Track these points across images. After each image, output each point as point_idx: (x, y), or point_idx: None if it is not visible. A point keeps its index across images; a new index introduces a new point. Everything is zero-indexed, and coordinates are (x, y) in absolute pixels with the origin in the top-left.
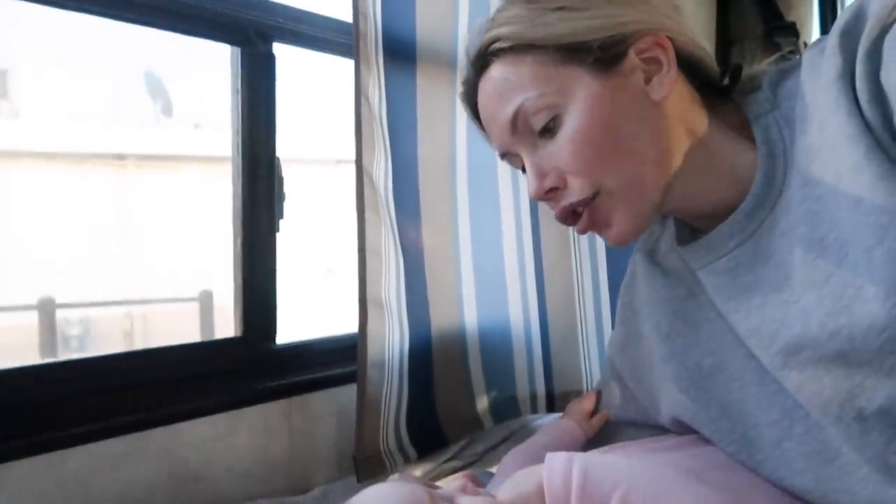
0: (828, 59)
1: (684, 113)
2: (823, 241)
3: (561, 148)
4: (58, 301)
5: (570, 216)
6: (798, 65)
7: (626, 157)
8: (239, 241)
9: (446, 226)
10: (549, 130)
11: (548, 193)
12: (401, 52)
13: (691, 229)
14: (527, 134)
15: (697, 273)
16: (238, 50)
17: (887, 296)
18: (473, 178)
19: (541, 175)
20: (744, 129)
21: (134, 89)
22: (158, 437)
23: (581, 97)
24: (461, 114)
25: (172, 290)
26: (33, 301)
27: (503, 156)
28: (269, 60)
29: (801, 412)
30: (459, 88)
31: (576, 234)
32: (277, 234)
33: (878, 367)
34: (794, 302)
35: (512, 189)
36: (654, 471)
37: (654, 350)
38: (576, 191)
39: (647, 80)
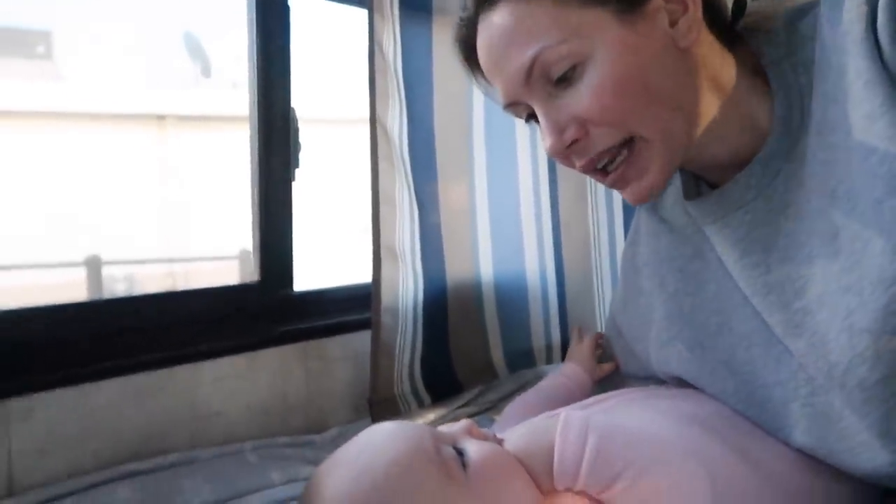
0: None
1: (708, 58)
2: (835, 193)
3: (585, 98)
4: (104, 258)
5: (596, 171)
6: (815, 3)
7: (657, 105)
8: (256, 189)
9: (462, 177)
10: (566, 79)
11: (570, 146)
12: (416, 3)
13: (698, 182)
14: (542, 83)
15: (706, 228)
16: (253, 2)
17: (894, 250)
18: (490, 129)
19: (559, 129)
20: (759, 74)
21: (174, 51)
22: (182, 374)
23: (606, 44)
24: None
25: (213, 248)
26: (80, 259)
27: (508, 106)
28: (284, 8)
29: (805, 374)
30: (455, 28)
31: (593, 184)
32: (293, 183)
33: (881, 332)
34: (816, 256)
35: (529, 141)
36: (662, 448)
37: (658, 308)
38: (600, 140)
39: (673, 24)
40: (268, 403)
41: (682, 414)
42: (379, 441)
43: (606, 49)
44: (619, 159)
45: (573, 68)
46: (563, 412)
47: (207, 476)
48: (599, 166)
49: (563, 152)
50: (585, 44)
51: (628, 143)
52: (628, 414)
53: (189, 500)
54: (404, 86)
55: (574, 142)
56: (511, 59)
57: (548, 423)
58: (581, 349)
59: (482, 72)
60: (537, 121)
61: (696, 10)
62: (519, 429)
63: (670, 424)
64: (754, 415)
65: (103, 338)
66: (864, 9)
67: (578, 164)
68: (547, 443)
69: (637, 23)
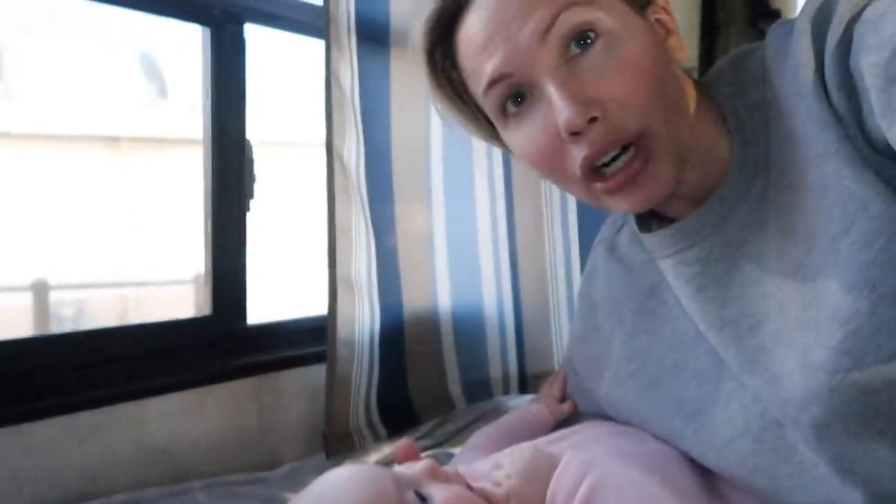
0: (796, 42)
1: (685, 81)
2: (794, 232)
3: (612, 70)
4: (51, 283)
5: (593, 173)
6: (760, 46)
7: (671, 102)
8: (209, 220)
9: (420, 208)
10: (584, 49)
11: (589, 123)
12: (374, 36)
13: (653, 219)
14: (556, 51)
15: (661, 263)
16: (208, 31)
17: (849, 288)
18: (448, 160)
19: (580, 101)
20: (719, 115)
21: (130, 71)
22: (127, 411)
23: (630, 25)
24: None
25: (166, 273)
26: (27, 283)
27: (497, 80)
28: (240, 42)
29: (758, 408)
30: (432, 5)
31: (550, 214)
32: (248, 214)
33: (836, 370)
34: (771, 295)
35: (487, 171)
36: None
37: (617, 347)
38: (620, 124)
39: (664, 40)
40: (219, 440)
41: (643, 459)
42: (339, 487)
43: (630, 29)
44: (623, 157)
45: (594, 40)
46: (567, 454)
47: None
48: (600, 163)
49: (582, 129)
50: (610, 18)
51: (641, 137)
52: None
53: None
54: (361, 118)
55: (593, 120)
56: (526, 17)
57: (549, 464)
58: (549, 391)
59: (441, 76)
60: (510, 114)
61: (677, 35)
62: (518, 459)
63: (632, 471)
64: (700, 454)
65: (41, 375)
66: (810, 55)
67: (584, 152)
68: (542, 480)
69: (646, 20)
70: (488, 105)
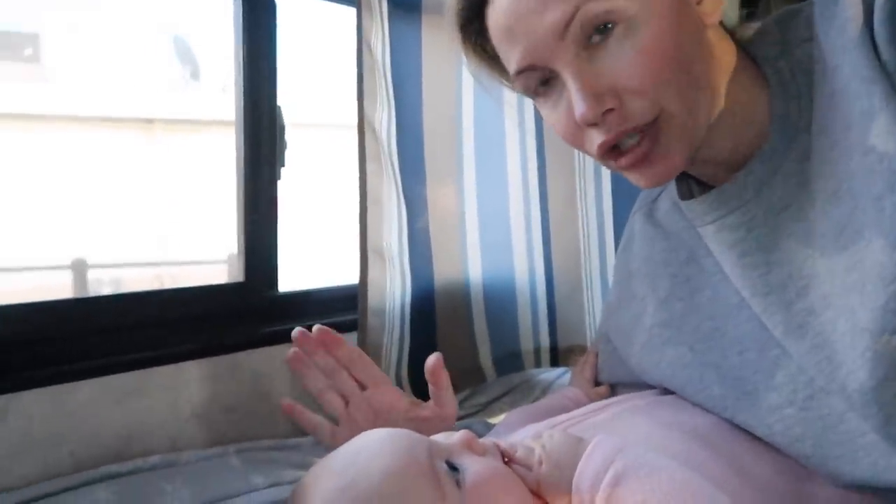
0: None
1: (718, 43)
2: (837, 192)
3: (627, 62)
4: (90, 262)
5: (611, 152)
6: (808, 5)
7: (689, 81)
8: (241, 188)
9: (451, 177)
10: (604, 40)
11: (603, 116)
12: (406, 2)
13: (694, 184)
14: (576, 42)
15: (702, 230)
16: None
17: (894, 247)
18: (479, 129)
19: (596, 95)
20: (758, 73)
21: (163, 54)
22: (163, 374)
23: (648, 6)
24: None
25: (201, 252)
26: (66, 262)
27: (522, 71)
28: (271, 7)
29: (804, 377)
30: None
31: (583, 186)
32: (280, 182)
33: (881, 331)
34: (819, 256)
35: (518, 141)
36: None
37: (650, 314)
38: (636, 112)
39: (699, 1)
40: (252, 405)
41: (684, 427)
42: (370, 451)
43: (649, 11)
44: (636, 137)
45: (614, 27)
46: (595, 438)
47: (188, 479)
48: (618, 143)
49: (597, 121)
50: (629, 2)
51: (651, 123)
52: (634, 427)
53: None
54: (393, 85)
55: (608, 111)
56: (546, 12)
57: (580, 445)
58: (583, 375)
59: (479, 45)
60: (547, 93)
61: None
62: (546, 442)
63: (674, 440)
64: (741, 421)
65: (81, 337)
66: (859, 9)
67: (602, 139)
68: (571, 467)
69: None
70: (518, 87)
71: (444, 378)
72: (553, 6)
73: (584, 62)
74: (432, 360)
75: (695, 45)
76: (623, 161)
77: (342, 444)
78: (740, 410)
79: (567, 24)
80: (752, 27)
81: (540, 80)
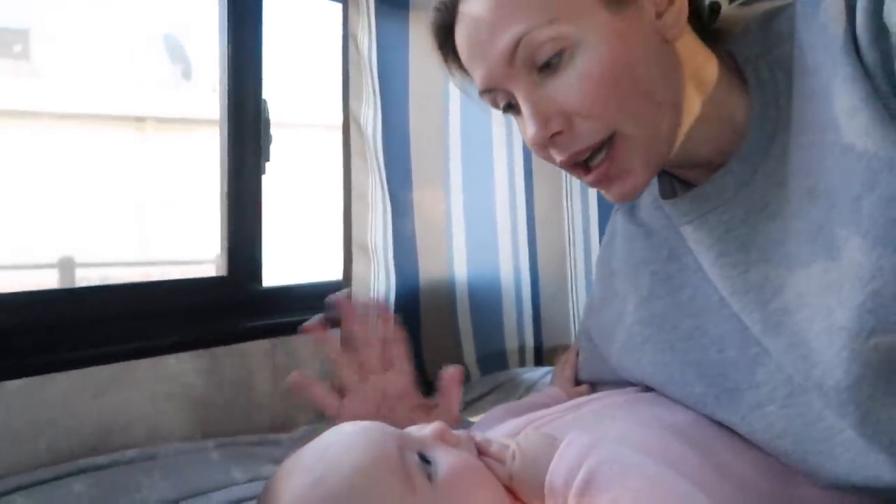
0: None
1: (691, 54)
2: (813, 191)
3: (572, 87)
4: (77, 260)
5: (577, 167)
6: (791, 3)
7: (643, 100)
8: (225, 181)
9: (437, 176)
10: (551, 66)
11: (552, 138)
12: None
13: (676, 183)
14: (525, 68)
15: (683, 228)
16: None
17: (873, 246)
18: (466, 127)
19: (543, 118)
20: (736, 73)
21: (154, 52)
22: (144, 367)
23: (594, 29)
24: None
25: (189, 251)
26: (53, 260)
27: (485, 92)
28: (256, 2)
29: (783, 375)
30: (433, 12)
31: (569, 186)
32: (264, 177)
33: (858, 331)
34: (795, 255)
35: (506, 139)
36: (653, 481)
37: (631, 312)
38: (586, 134)
39: (659, 15)
40: (233, 400)
41: (663, 424)
42: (341, 446)
43: (595, 35)
44: (599, 156)
45: (559, 53)
46: (568, 437)
47: (166, 472)
48: (580, 160)
49: (545, 144)
50: (573, 28)
51: (611, 139)
52: (613, 422)
53: (146, 497)
54: (379, 81)
55: (557, 134)
56: (494, 41)
57: (552, 445)
58: (564, 374)
59: (458, 62)
60: (515, 110)
61: (682, 3)
62: (521, 440)
63: (652, 436)
64: (722, 419)
65: (61, 328)
66: (841, 9)
67: (559, 158)
68: (544, 465)
69: (625, 10)
70: (487, 102)
71: (456, 394)
72: (501, 34)
73: (535, 87)
74: (450, 373)
75: (650, 64)
76: (588, 178)
77: (348, 417)
78: (721, 408)
79: (513, 53)
80: (739, 24)
81: (504, 101)
